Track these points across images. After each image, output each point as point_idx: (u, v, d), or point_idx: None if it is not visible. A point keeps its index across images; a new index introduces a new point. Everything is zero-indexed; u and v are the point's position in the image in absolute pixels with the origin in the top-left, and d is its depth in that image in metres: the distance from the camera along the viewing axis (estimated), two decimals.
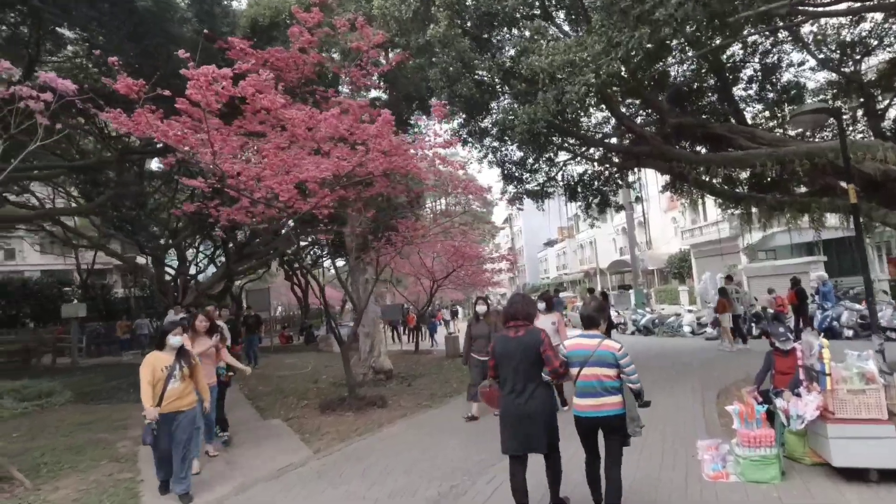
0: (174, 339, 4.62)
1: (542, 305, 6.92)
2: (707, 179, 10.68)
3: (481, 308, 7.17)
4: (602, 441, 3.70)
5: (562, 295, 24.28)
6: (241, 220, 6.55)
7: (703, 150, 11.40)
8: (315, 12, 8.27)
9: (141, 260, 22.79)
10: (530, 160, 12.89)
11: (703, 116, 11.72)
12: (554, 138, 10.53)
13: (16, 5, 9.33)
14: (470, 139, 11.32)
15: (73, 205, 17.92)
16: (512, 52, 8.98)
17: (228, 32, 9.12)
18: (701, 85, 12.06)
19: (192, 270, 23.92)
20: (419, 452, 5.75)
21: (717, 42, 9.88)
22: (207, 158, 5.10)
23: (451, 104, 8.63)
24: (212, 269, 23.49)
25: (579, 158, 13.82)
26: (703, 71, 11.45)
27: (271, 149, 5.62)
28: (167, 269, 21.96)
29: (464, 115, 9.70)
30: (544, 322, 6.48)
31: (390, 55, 9.91)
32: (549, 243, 57.52)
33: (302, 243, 21.03)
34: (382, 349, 11.93)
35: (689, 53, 10.42)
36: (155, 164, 15.52)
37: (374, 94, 11.33)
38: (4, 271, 28.13)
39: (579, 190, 14.25)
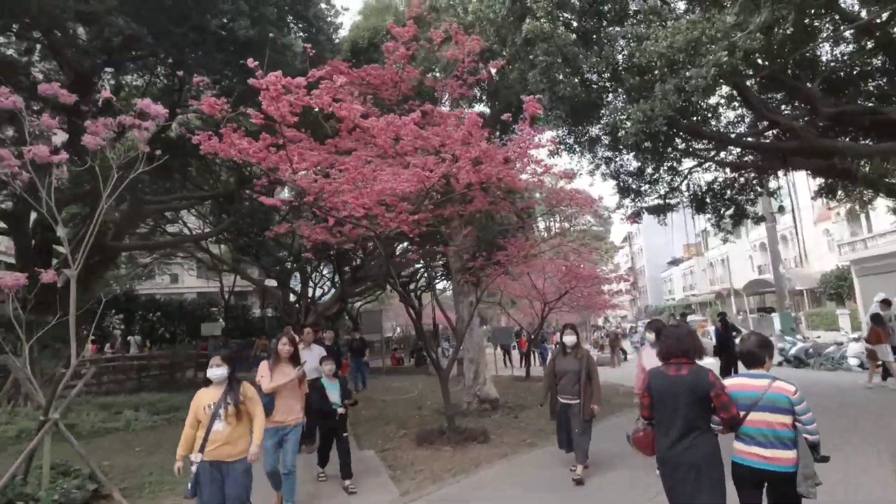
0: (214, 372, 3.90)
1: (651, 336, 5.43)
2: (881, 177, 8.63)
3: (570, 339, 5.83)
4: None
5: (689, 318, 21.87)
6: (325, 239, 6.34)
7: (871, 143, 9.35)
8: (410, 26, 8.09)
9: (270, 283, 24.52)
10: (649, 170, 11.56)
11: (869, 104, 9.66)
12: (676, 141, 9.24)
13: (167, 60, 10.28)
14: (577, 147, 10.33)
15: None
16: (622, 43, 7.97)
17: (331, 57, 9.30)
18: (864, 68, 10.00)
19: (317, 293, 25.40)
20: None
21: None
22: (287, 175, 4.92)
23: (554, 108, 7.82)
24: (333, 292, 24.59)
25: (708, 165, 12.17)
26: (867, 49, 9.47)
27: (352, 162, 5.33)
28: (292, 291, 23.50)
29: (569, 121, 8.84)
30: (651, 357, 5.00)
31: (489, 66, 9.45)
32: (674, 262, 53.25)
33: (416, 266, 21.26)
34: (488, 376, 11.21)
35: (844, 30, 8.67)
36: (286, 192, 16.42)
37: (477, 108, 10.95)
38: (167, 293, 31.95)
39: (708, 201, 12.54)
